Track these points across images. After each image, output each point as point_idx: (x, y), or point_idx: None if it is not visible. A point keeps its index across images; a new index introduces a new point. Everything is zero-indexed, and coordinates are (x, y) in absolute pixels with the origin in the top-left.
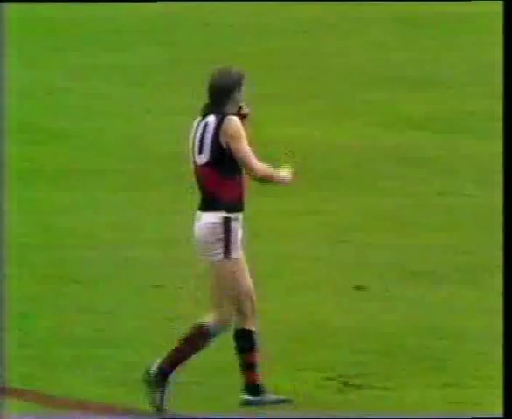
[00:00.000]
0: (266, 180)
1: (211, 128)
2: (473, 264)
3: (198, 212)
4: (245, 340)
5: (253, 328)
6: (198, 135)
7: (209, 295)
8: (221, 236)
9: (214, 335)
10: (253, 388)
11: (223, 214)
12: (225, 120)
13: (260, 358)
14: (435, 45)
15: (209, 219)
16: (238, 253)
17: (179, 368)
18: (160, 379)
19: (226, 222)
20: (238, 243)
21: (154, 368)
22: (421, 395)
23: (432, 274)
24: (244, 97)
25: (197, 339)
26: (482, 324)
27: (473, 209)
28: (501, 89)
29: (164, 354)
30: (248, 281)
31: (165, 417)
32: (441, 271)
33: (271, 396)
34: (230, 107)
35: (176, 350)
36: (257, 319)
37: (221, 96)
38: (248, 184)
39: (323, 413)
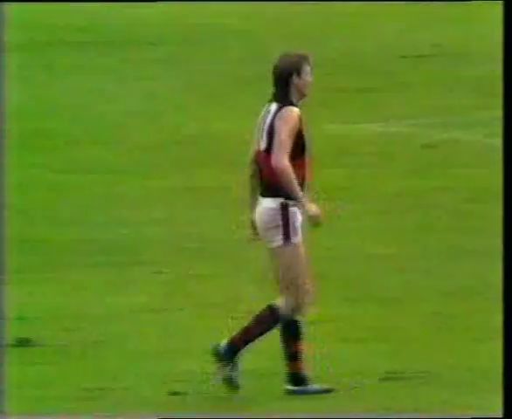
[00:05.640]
0: (286, 185)
1: (270, 115)
2: None
3: (260, 197)
4: (291, 329)
5: (301, 318)
6: (261, 123)
7: (276, 280)
8: (280, 222)
9: (283, 319)
10: (297, 379)
11: (281, 200)
12: (284, 108)
13: (305, 348)
14: None
15: (268, 204)
16: (298, 238)
17: (246, 348)
18: (230, 353)
19: (284, 207)
20: (299, 228)
21: (223, 344)
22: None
23: None
24: (309, 82)
25: (268, 320)
26: None
27: None
28: None
29: (234, 332)
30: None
31: (165, 418)
32: None
33: (314, 386)
34: (291, 94)
35: (247, 328)
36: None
37: (280, 82)
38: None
39: (324, 413)
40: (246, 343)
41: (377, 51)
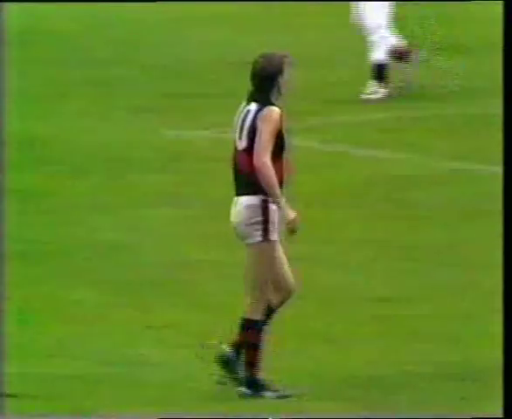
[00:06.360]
0: (266, 185)
1: (251, 115)
2: None
3: (235, 197)
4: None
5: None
6: (240, 122)
7: (245, 277)
8: (260, 218)
9: (262, 320)
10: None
11: (261, 196)
12: (266, 108)
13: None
14: None
15: (248, 202)
16: (276, 236)
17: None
18: (256, 390)
19: (264, 203)
20: (277, 225)
21: (241, 389)
22: None
23: None
24: (287, 81)
25: (250, 335)
26: None
27: None
28: None
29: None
30: (285, 267)
31: (163, 417)
32: None
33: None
34: (273, 94)
35: (248, 362)
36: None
37: (264, 83)
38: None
39: (324, 412)
40: (255, 367)
41: (209, 58)
